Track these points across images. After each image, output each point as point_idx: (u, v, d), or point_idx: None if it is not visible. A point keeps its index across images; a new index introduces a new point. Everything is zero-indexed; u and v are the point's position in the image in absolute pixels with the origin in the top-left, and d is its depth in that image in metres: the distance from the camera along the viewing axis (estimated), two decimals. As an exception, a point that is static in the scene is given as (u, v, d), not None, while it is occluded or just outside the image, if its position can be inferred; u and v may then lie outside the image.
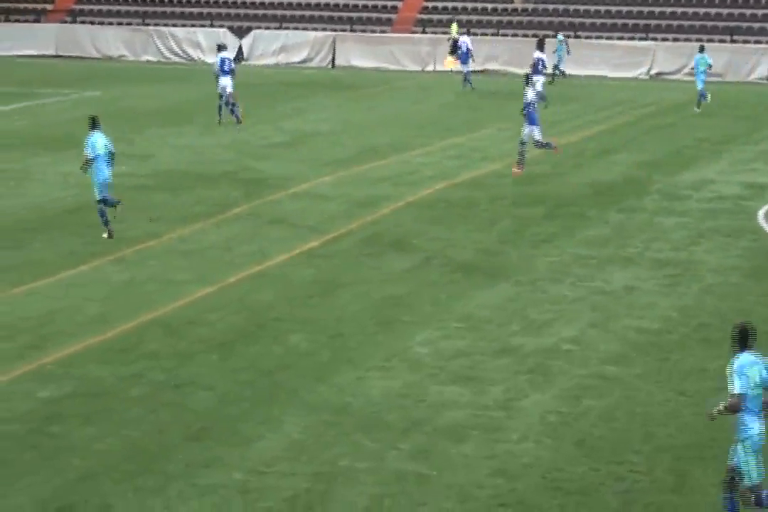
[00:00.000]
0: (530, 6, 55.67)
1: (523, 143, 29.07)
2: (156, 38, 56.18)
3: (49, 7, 58.91)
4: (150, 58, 55.62)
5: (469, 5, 56.18)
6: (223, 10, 57.71)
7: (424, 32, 55.21)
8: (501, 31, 54.45)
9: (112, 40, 55.70)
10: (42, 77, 44.04)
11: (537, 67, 40.30)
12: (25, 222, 24.51)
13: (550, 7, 55.17)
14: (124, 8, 58.25)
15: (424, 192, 27.44)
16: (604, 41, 52.59)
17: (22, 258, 21.79)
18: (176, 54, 55.71)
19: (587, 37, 53.15)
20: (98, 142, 22.95)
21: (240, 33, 55.70)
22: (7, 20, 58.19)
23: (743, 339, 11.60)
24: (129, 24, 57.54)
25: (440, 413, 14.80)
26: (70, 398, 15.28)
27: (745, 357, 11.50)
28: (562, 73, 48.88)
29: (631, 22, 53.72)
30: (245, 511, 12.36)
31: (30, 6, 59.02)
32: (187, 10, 57.92)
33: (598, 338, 17.69)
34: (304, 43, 55.03)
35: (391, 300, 19.41)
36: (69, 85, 42.80)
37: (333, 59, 54.80)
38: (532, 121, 29.01)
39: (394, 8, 57.23)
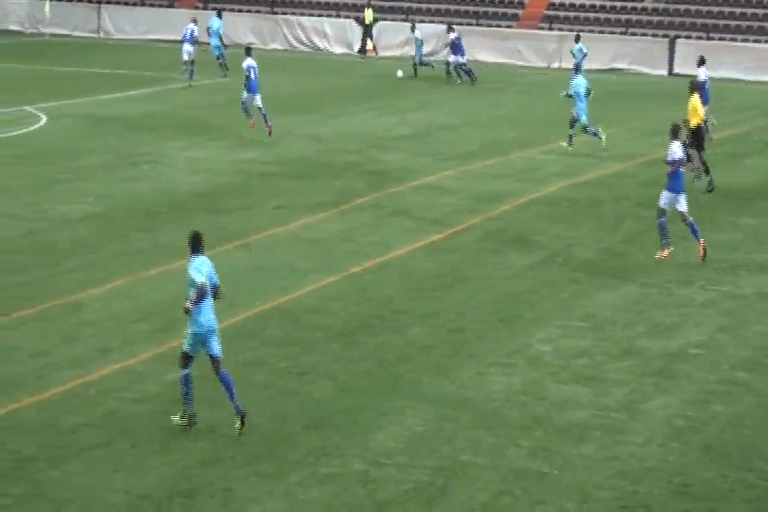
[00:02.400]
0: (661, 5, 55.01)
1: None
2: (284, 27, 56.60)
3: (179, -6, 59.81)
4: (277, 46, 56.02)
5: (597, 3, 55.70)
6: (350, 1, 57.96)
7: (550, 29, 54.90)
8: (630, 30, 53.90)
9: (241, 28, 56.22)
10: (175, 62, 44.58)
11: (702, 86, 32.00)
12: (157, 205, 24.90)
13: (682, 7, 54.44)
14: (251, -5, 58.92)
15: (548, 189, 27.30)
16: (737, 43, 51.75)
17: (154, 241, 22.17)
18: (303, 43, 56.08)
19: (720, 39, 52.36)
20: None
21: (365, 24, 55.89)
22: (143, 4, 59.07)
23: (196, 245, 14.34)
24: (258, 12, 58.05)
25: (561, 412, 14.75)
26: (197, 381, 15.40)
27: (199, 259, 14.34)
28: None
29: (767, 24, 52.84)
30: (364, 501, 12.45)
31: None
32: (315, 0, 58.27)
33: (728, 343, 17.46)
34: (429, 36, 54.96)
35: (513, 297, 19.37)
36: (200, 71, 43.24)
37: (458, 53, 54.73)
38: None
39: (521, 4, 56.97)
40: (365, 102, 40.37)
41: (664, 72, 51.41)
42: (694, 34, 52.85)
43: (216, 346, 14.19)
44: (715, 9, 54.19)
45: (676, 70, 51.13)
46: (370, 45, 54.38)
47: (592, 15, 55.34)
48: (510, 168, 29.38)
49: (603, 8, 55.68)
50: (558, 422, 14.44)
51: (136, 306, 18.46)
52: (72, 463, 13.08)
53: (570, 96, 31.57)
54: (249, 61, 33.10)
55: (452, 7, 57.17)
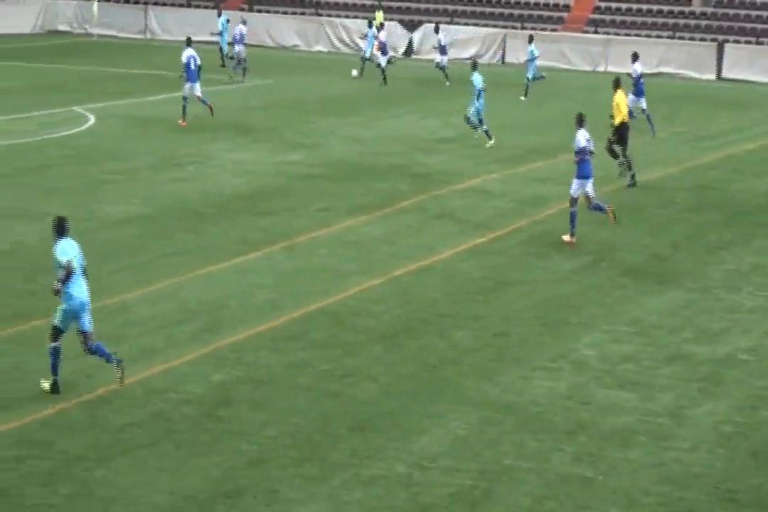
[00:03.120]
0: (709, 10, 54.69)
1: None
2: (327, 28, 56.73)
3: (226, -5, 60.07)
4: (321, 48, 56.17)
5: (644, 7, 55.47)
6: (395, 3, 58.00)
7: (596, 32, 54.71)
8: (677, 34, 53.61)
9: (285, 30, 56.41)
10: (209, 65, 44.68)
11: None
12: (201, 207, 25.02)
13: (730, 11, 54.13)
14: (298, -1, 59.04)
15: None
16: (786, 47, 51.44)
17: (199, 242, 22.26)
18: (347, 45, 56.19)
19: (768, 44, 52.04)
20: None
21: (410, 26, 55.93)
22: (189, 5, 59.32)
23: (60, 229, 15.13)
24: (302, 14, 58.20)
25: (606, 417, 14.69)
26: (241, 383, 15.57)
27: (64, 242, 15.10)
28: None
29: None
30: (407, 504, 12.44)
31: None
32: (360, 2, 58.34)
33: (778, 349, 17.35)
34: (474, 39, 54.94)
35: (557, 301, 19.31)
36: (240, 73, 43.41)
37: (503, 56, 54.68)
38: None
39: (567, 7, 56.82)
40: (408, 104, 40.40)
41: (713, 76, 51.14)
42: (743, 39, 52.50)
43: (87, 322, 15.20)
44: (764, 13, 53.83)
45: (725, 74, 50.85)
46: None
47: (638, 19, 55.13)
48: (555, 171, 29.29)
49: (650, 12, 55.45)
50: (603, 427, 14.39)
51: (181, 307, 18.54)
52: (118, 463, 13.16)
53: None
54: (189, 52, 34.48)
55: (497, 11, 57.10)
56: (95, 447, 13.51)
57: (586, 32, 55.22)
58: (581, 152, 22.66)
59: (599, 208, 23.22)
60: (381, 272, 20.60)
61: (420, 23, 55.93)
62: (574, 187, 22.87)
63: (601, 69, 52.62)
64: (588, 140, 22.91)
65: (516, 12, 56.84)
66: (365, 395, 15.29)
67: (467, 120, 32.95)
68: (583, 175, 22.80)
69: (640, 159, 31.38)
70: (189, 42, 35.22)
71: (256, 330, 17.51)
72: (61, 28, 59.41)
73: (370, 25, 48.77)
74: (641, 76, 35.20)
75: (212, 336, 17.19)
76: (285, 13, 58.32)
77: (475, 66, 33.11)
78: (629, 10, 55.79)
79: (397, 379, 15.84)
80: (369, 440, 13.91)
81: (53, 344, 15.08)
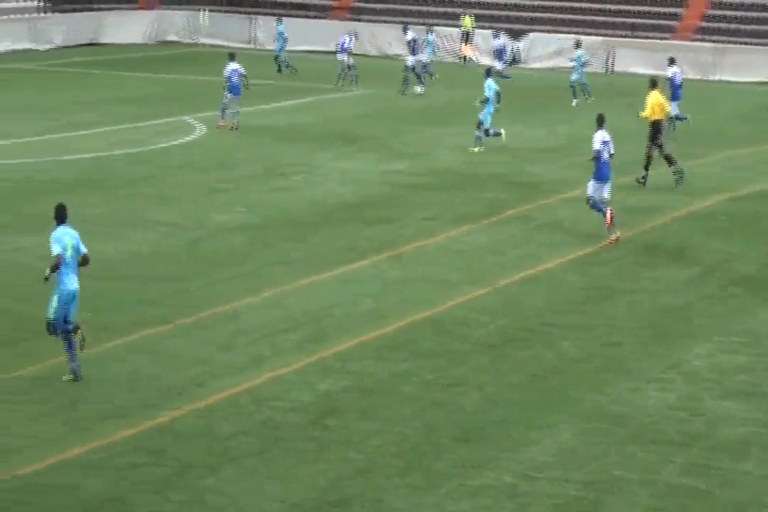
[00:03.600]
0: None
1: None
2: (431, 37, 56.69)
3: (334, 3, 60.27)
4: (425, 57, 56.09)
5: (755, 15, 54.65)
6: (499, 13, 57.84)
7: (706, 41, 54.04)
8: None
9: (389, 39, 56.52)
10: (326, 73, 45.02)
11: None
12: (307, 216, 25.17)
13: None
14: (403, 7, 59.04)
15: (704, 203, 26.85)
16: None
17: (305, 251, 22.40)
18: (451, 54, 56.14)
19: None
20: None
21: (516, 35, 55.74)
22: (295, 15, 59.76)
23: (60, 216, 15.84)
24: (407, 23, 58.21)
25: (719, 428, 14.49)
26: (347, 392, 15.63)
27: (61, 229, 15.69)
28: None
29: None
30: (515, 515, 12.38)
31: (318, 2, 60.51)
32: (467, 10, 58.17)
33: None
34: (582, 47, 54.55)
35: (668, 312, 19.09)
36: (348, 82, 43.53)
37: (610, 65, 54.23)
38: None
39: (676, 15, 56.20)
40: (513, 114, 40.11)
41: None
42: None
43: (73, 311, 15.91)
44: None
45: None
46: (467, 51, 54.87)
47: (749, 27, 54.34)
48: (664, 180, 28.96)
49: (759, 20, 54.63)
50: (716, 438, 14.19)
51: (287, 315, 18.65)
52: (228, 471, 13.27)
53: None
54: (232, 66, 35.32)
55: (602, 19, 56.69)
56: (206, 454, 13.65)
57: (696, 41, 54.55)
58: (597, 154, 23.00)
59: (598, 209, 23.29)
60: (487, 281, 20.54)
61: (526, 32, 55.69)
62: (590, 189, 23.25)
63: (711, 77, 51.95)
64: (605, 142, 23.17)
65: (624, 20, 56.34)
66: (471, 404, 15.26)
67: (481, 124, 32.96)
68: (598, 177, 23.11)
69: (754, 168, 30.90)
70: (232, 56, 35.93)
71: (361, 340, 17.56)
72: (172, 38, 60.20)
73: (405, 30, 47.63)
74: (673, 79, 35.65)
75: (318, 345, 17.28)
76: (387, 22, 58.47)
77: (488, 73, 33.66)
78: (740, 18, 55.03)
79: (504, 389, 15.78)
80: (475, 450, 13.87)
81: (57, 337, 15.72)
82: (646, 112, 28.34)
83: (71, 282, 15.68)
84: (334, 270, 21.10)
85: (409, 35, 46.10)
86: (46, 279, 15.58)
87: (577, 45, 44.63)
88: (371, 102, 41.07)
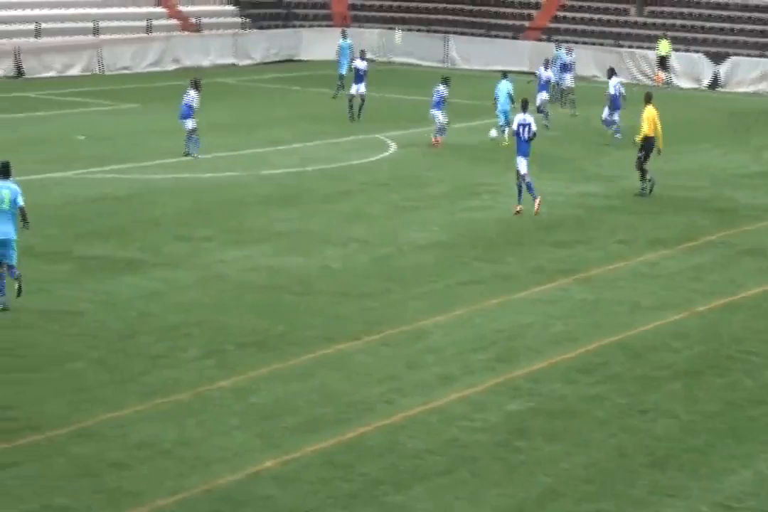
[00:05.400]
0: None
1: None
2: (628, 60, 56.11)
3: (526, 24, 60.19)
4: (621, 79, 55.41)
5: None
6: (699, 36, 56.89)
7: None
8: None
9: (584, 60, 56.08)
10: (518, 92, 44.56)
11: None
12: (497, 235, 25.11)
13: None
14: (598, 29, 58.60)
15: None
16: None
17: (495, 271, 22.32)
18: (647, 76, 55.41)
19: None
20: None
21: (717, 59, 54.73)
22: (488, 35, 59.85)
23: (2, 172, 18.57)
24: (601, 45, 57.76)
25: None
26: (536, 414, 15.49)
27: (5, 182, 18.52)
28: None
29: None
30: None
31: (509, 22, 60.53)
32: (665, 33, 57.35)
33: None
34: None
35: None
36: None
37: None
38: None
39: None
40: (714, 138, 39.46)
41: None
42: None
43: (11, 255, 18.50)
44: None
45: None
46: (662, 75, 53.82)
47: None
48: None
49: None
50: None
51: (477, 335, 18.61)
52: (416, 489, 13.25)
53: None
54: (192, 94, 32.62)
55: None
56: (394, 471, 13.67)
57: None
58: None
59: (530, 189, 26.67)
60: (682, 306, 20.15)
61: (727, 55, 54.63)
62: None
63: None
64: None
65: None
66: (665, 431, 14.98)
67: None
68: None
69: None
70: (195, 84, 32.85)
71: (551, 362, 17.41)
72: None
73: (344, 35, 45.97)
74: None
75: (507, 366, 17.19)
76: (584, 43, 58.04)
77: (505, 76, 37.75)
78: None
79: (700, 417, 15.45)
80: (669, 477, 13.61)
81: None
82: (642, 133, 29.21)
83: (4, 229, 18.37)
84: (524, 291, 20.98)
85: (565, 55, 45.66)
86: None
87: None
88: (567, 123, 40.66)
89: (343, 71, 45.50)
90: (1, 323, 18.39)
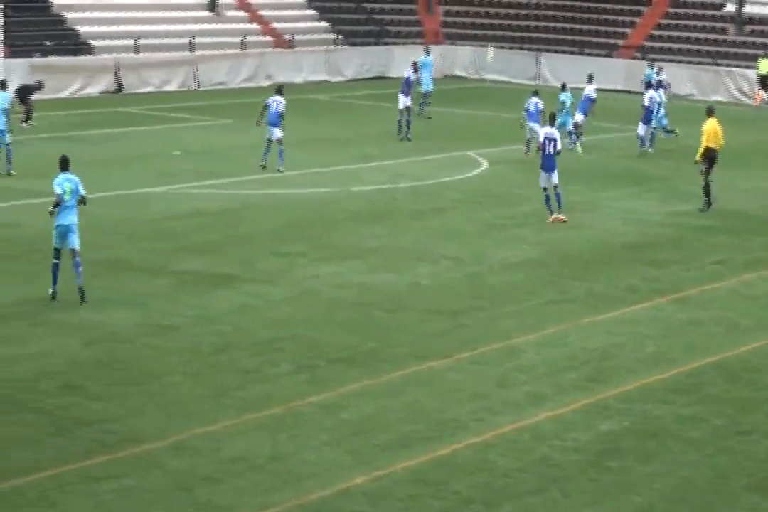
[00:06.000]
0: None
1: None
2: (727, 78, 55.54)
3: (620, 42, 59.85)
4: (719, 98, 54.86)
5: None
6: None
7: None
8: None
9: (679, 79, 55.63)
10: (611, 111, 44.42)
11: None
12: (589, 254, 24.95)
13: None
14: (695, 47, 58.12)
15: None
16: None
17: (587, 290, 22.18)
18: (747, 96, 54.77)
19: None
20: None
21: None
22: (581, 53, 59.61)
23: (63, 166, 20.34)
24: (699, 63, 57.24)
25: None
26: (629, 434, 15.36)
27: (62, 176, 20.20)
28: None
29: None
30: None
31: (603, 40, 60.24)
32: (763, 52, 56.70)
33: None
34: None
35: None
36: (630, 121, 42.44)
37: None
38: None
39: None
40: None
41: None
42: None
43: (73, 241, 20.02)
44: None
45: None
46: (763, 94, 53.06)
47: None
48: None
49: None
50: None
51: (568, 354, 18.51)
52: (506, 508, 13.18)
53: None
54: (277, 98, 33.07)
55: None
56: (484, 489, 13.61)
57: None
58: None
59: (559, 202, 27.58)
60: (783, 328, 19.90)
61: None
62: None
63: None
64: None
65: None
66: (765, 453, 14.78)
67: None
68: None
69: None
70: (280, 90, 33.71)
71: (644, 382, 17.25)
72: (458, 73, 60.98)
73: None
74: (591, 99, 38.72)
75: (600, 386, 17.06)
76: (680, 62, 57.56)
77: (563, 88, 38.42)
78: None
79: (801, 440, 15.22)
80: None
81: (54, 261, 20.01)
82: (704, 141, 29.18)
83: (65, 218, 19.94)
84: (616, 311, 20.82)
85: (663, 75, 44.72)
86: (51, 213, 19.90)
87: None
88: (663, 141, 40.24)
89: (430, 88, 45.29)
90: (102, 337, 18.65)
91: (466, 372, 17.56)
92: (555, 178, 27.72)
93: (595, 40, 60.46)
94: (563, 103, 37.75)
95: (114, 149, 36.41)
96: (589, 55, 59.58)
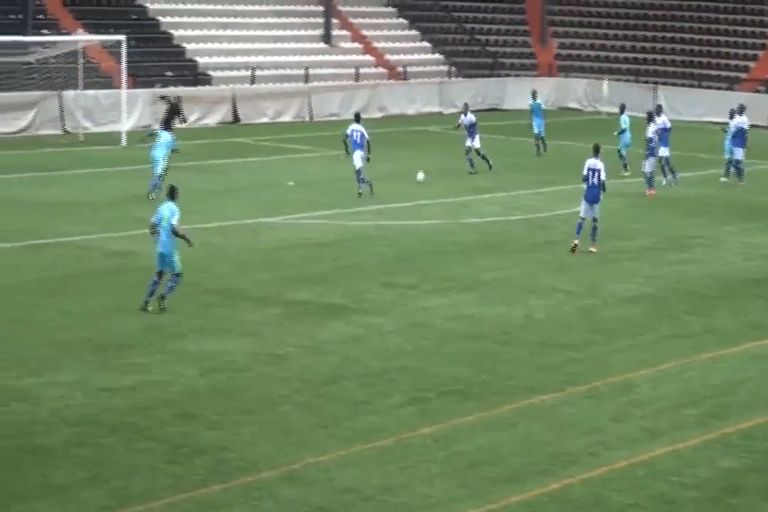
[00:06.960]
0: None
1: None
2: None
3: (743, 75, 59.01)
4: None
5: None
6: None
7: None
8: None
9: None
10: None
11: None
12: (709, 289, 24.49)
13: None
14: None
15: None
16: None
17: (705, 325, 21.76)
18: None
19: None
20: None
21: None
22: (700, 86, 58.88)
23: (171, 194, 21.59)
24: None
25: None
26: (751, 471, 14.96)
27: (166, 204, 21.41)
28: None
29: None
30: None
31: (723, 73, 59.46)
32: None
33: None
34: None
35: None
36: (756, 155, 41.56)
37: None
38: None
39: None
40: None
41: None
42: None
43: (171, 265, 21.17)
44: None
45: None
46: None
47: None
48: None
49: None
50: None
51: (687, 389, 18.13)
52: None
53: None
54: (355, 126, 34.25)
55: None
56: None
57: None
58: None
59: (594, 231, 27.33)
60: None
61: None
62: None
63: None
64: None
65: None
66: None
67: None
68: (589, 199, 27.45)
69: None
70: (357, 118, 34.98)
71: (766, 419, 16.78)
72: (572, 105, 60.63)
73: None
74: (668, 129, 36.74)
75: (720, 422, 16.68)
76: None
77: (622, 110, 39.33)
78: None
79: None
80: None
81: (153, 279, 21.26)
82: None
83: (161, 244, 21.11)
84: (738, 346, 20.37)
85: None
86: (152, 233, 21.37)
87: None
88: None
89: (538, 131, 44.79)
90: (218, 366, 18.75)
91: (579, 406, 17.26)
92: (597, 209, 27.48)
93: (715, 73, 59.70)
94: (622, 126, 38.74)
95: (229, 179, 36.83)
96: (708, 87, 58.85)
